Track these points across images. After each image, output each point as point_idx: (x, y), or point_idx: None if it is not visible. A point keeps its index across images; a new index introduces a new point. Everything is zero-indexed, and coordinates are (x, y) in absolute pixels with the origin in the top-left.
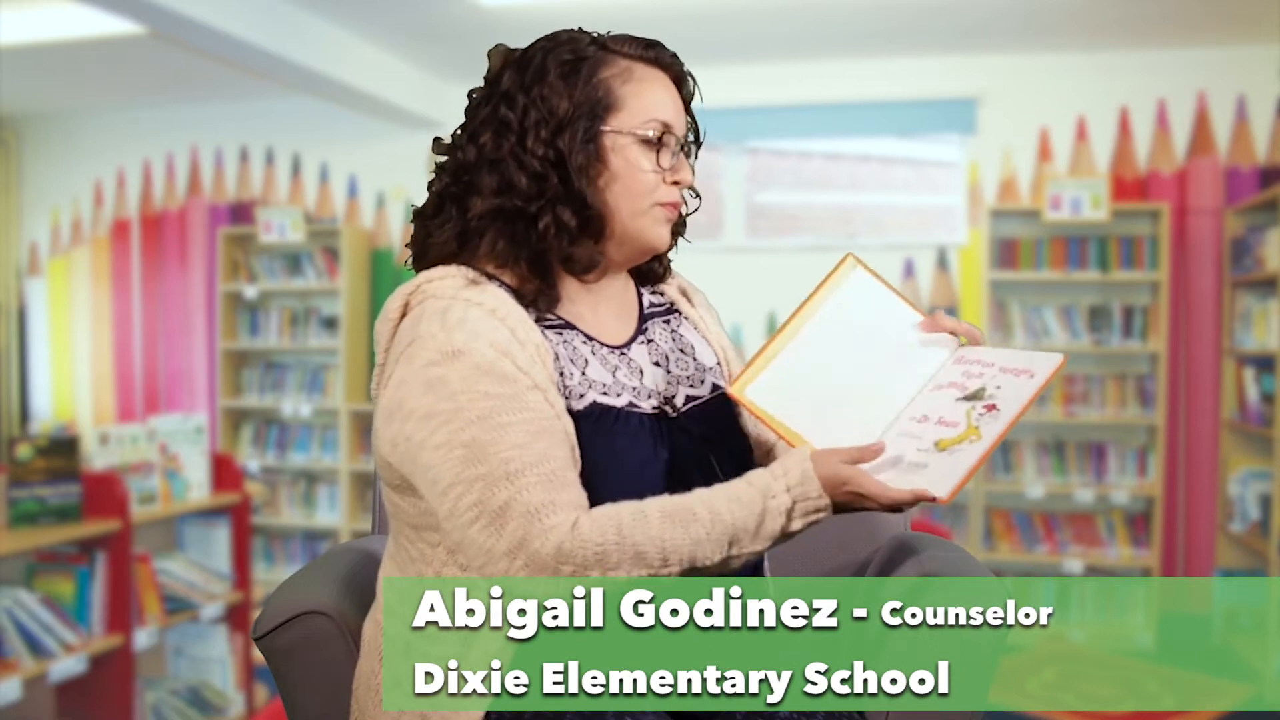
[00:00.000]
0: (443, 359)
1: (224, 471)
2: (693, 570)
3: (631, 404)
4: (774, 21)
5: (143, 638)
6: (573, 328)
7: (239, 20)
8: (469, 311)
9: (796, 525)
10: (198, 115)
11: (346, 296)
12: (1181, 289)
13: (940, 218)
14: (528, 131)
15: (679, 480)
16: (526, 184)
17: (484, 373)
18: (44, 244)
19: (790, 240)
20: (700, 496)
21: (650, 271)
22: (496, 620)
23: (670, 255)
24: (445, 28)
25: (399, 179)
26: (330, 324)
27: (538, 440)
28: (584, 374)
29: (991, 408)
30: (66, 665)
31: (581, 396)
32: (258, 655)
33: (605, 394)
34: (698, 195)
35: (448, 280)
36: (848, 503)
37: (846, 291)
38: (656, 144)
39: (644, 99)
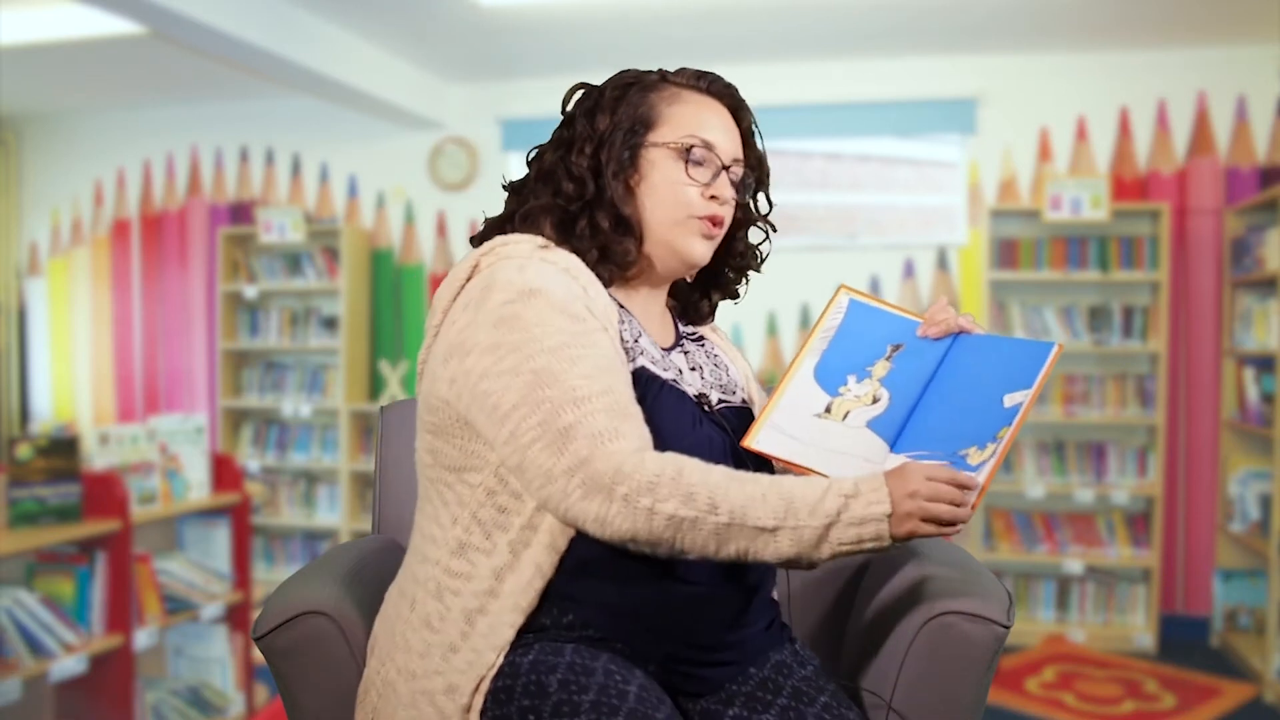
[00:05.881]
0: (519, 297)
1: (224, 471)
2: (744, 528)
3: (675, 381)
4: (774, 21)
5: (143, 638)
6: (628, 312)
7: (239, 20)
8: (544, 267)
9: (856, 510)
10: (198, 115)
11: (346, 296)
12: (1181, 289)
13: (940, 218)
14: (574, 145)
15: (714, 458)
16: (571, 189)
17: (558, 310)
18: (44, 244)
19: (790, 240)
20: (764, 474)
21: (696, 308)
22: (507, 595)
23: (734, 300)
24: (445, 28)
25: (399, 179)
26: (330, 324)
27: (605, 375)
28: (636, 342)
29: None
30: (66, 665)
31: (634, 361)
32: (258, 655)
33: (654, 364)
34: (767, 232)
35: (522, 244)
36: (910, 513)
37: (840, 319)
38: (692, 156)
39: (685, 116)
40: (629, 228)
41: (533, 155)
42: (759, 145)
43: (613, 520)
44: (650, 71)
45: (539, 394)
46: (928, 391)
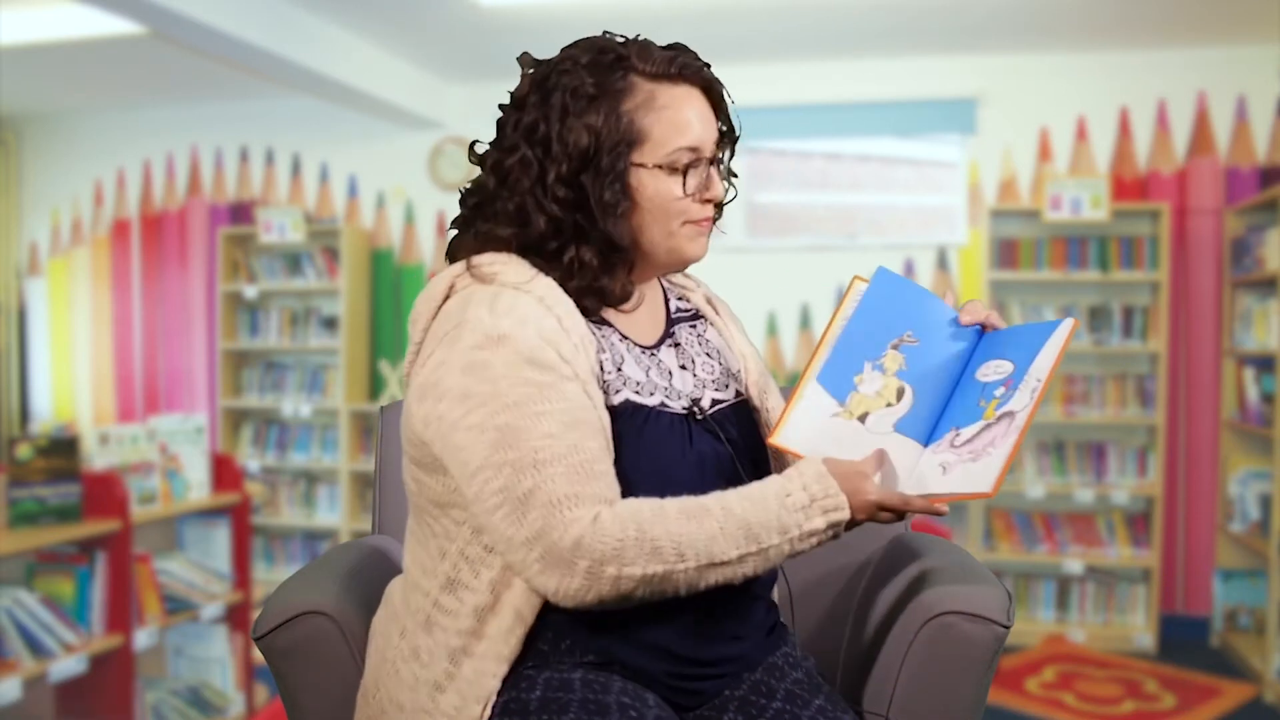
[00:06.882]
0: (487, 343)
1: (224, 471)
2: (713, 566)
3: (663, 404)
4: (774, 21)
5: (143, 638)
6: (609, 325)
7: (239, 20)
8: (518, 299)
9: (818, 522)
10: (198, 115)
11: (346, 296)
12: (1181, 289)
13: (940, 218)
14: (548, 171)
15: (707, 480)
16: (544, 225)
17: (526, 360)
18: (44, 244)
19: (790, 240)
20: (716, 495)
21: None
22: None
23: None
24: (445, 28)
25: (399, 179)
26: (330, 324)
27: (570, 431)
28: (620, 370)
29: (1008, 384)
30: (66, 665)
31: (617, 393)
32: (258, 655)
33: (639, 393)
34: (732, 186)
35: (496, 267)
36: (866, 506)
37: (855, 307)
38: (684, 170)
39: (667, 126)
40: (622, 254)
41: (489, 166)
42: (726, 110)
43: (575, 592)
44: (606, 53)
45: (501, 455)
46: (953, 388)
